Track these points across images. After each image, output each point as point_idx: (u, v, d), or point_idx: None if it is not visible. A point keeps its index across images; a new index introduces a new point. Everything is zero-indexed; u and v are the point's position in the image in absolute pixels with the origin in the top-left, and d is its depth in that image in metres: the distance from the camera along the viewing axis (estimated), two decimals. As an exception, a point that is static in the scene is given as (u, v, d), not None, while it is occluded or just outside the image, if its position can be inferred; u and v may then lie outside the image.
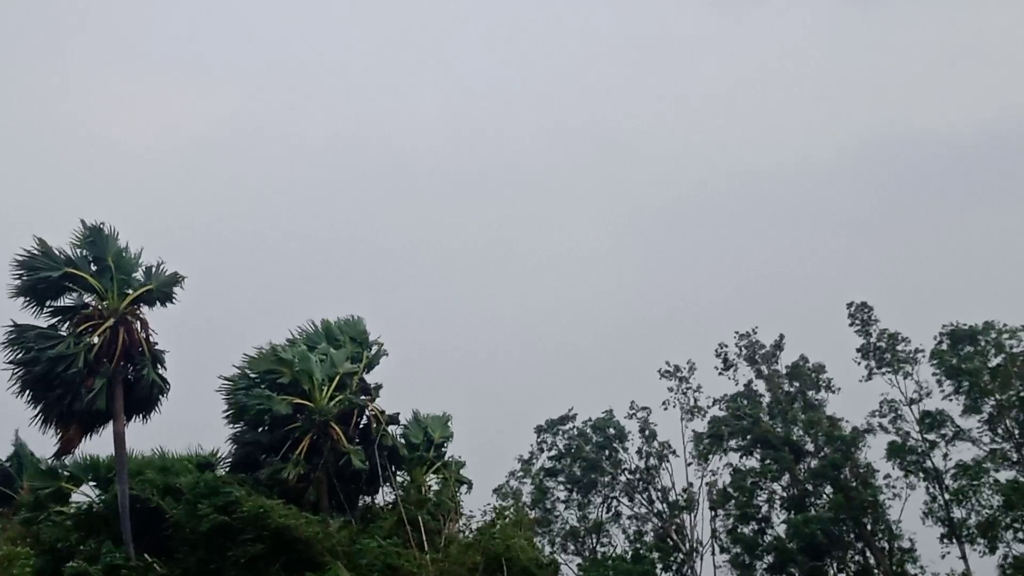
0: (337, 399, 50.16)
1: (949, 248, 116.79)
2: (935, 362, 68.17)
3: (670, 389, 75.80)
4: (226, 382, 51.39)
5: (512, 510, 50.07)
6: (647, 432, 75.85)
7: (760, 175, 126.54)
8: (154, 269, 49.64)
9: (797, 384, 72.86)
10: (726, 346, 75.54)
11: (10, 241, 48.71)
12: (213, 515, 42.07)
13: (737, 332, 75.83)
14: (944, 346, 68.10)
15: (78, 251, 48.80)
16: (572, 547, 74.77)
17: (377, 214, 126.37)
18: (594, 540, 74.76)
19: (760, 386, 74.54)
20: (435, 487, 51.24)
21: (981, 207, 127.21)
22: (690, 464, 74.46)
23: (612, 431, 76.18)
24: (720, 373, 75.51)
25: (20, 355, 47.36)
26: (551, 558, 43.42)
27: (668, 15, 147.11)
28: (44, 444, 50.93)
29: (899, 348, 69.97)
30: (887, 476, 68.87)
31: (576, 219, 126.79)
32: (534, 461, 77.55)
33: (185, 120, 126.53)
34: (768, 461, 70.20)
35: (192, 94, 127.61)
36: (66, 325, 48.49)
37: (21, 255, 47.95)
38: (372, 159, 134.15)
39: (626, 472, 75.27)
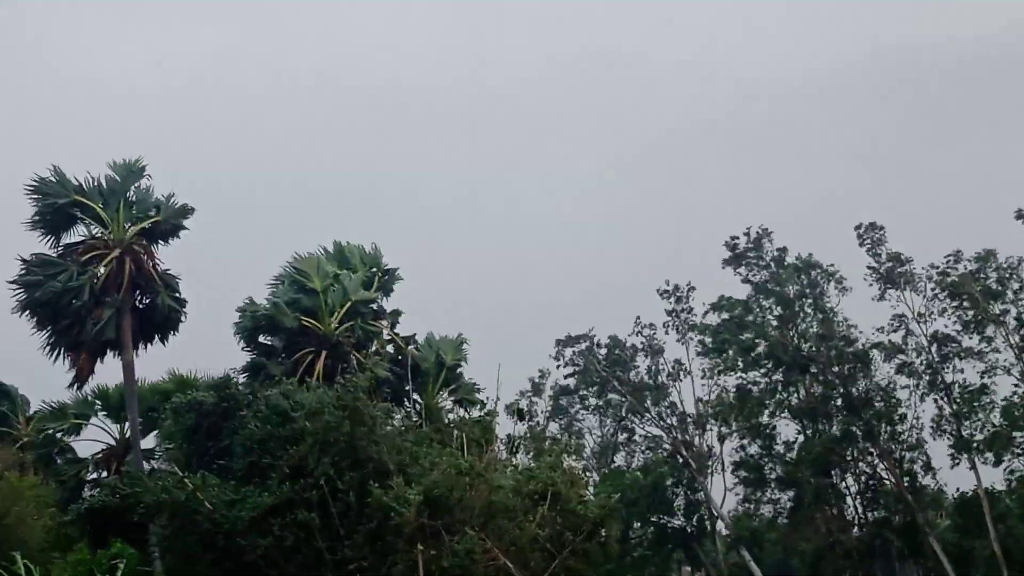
0: (348, 324, 49.57)
1: (953, 170, 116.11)
2: (933, 284, 68.06)
3: (668, 312, 75.24)
4: (240, 310, 50.75)
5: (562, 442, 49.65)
6: (654, 348, 75.49)
7: (760, 94, 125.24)
8: (164, 202, 49.44)
9: (806, 279, 71.11)
10: (736, 238, 73.14)
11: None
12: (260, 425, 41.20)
13: (747, 228, 73.38)
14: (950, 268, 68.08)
15: (92, 181, 48.49)
16: (594, 462, 74.94)
17: (374, 146, 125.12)
18: (610, 457, 74.97)
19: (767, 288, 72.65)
20: (454, 409, 50.81)
21: (984, 125, 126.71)
22: (700, 377, 73.90)
23: (620, 352, 75.85)
24: (727, 267, 72.97)
25: (25, 280, 47.07)
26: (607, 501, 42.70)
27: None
28: (55, 373, 50.48)
29: (906, 268, 69.39)
30: (898, 388, 68.60)
31: (578, 146, 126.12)
32: (546, 376, 77.45)
33: (173, 57, 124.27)
34: (775, 377, 69.77)
35: (177, 31, 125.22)
36: (71, 256, 48.01)
37: (34, 180, 47.62)
38: (363, 90, 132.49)
39: (635, 390, 74.99)
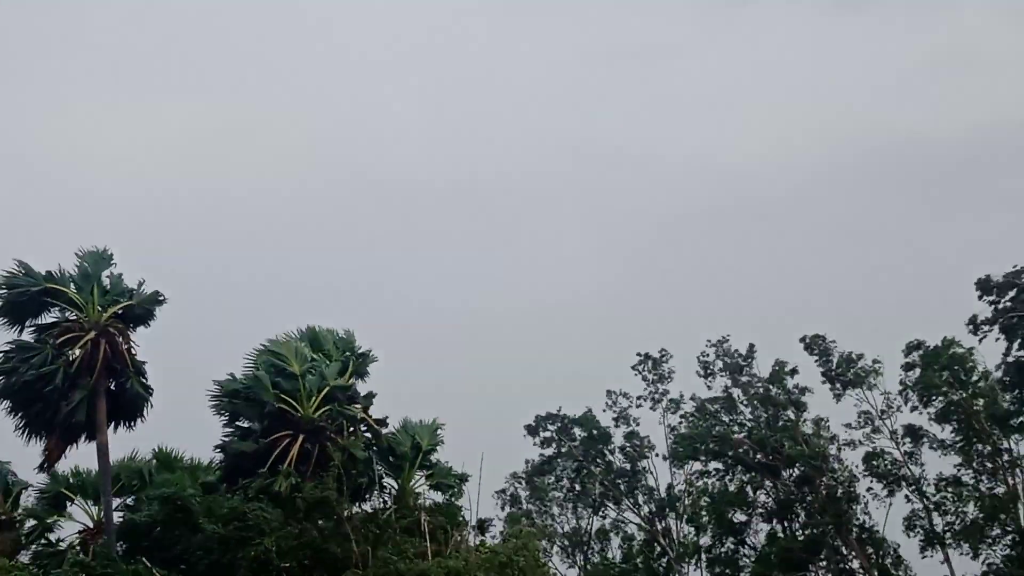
0: (325, 409, 49.58)
1: (922, 256, 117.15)
2: (900, 377, 69.02)
3: (645, 380, 75.59)
4: (217, 385, 50.87)
5: (526, 529, 49.40)
6: (628, 425, 75.55)
7: (743, 180, 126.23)
8: (136, 290, 49.93)
9: (775, 390, 72.60)
10: (707, 355, 74.95)
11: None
12: (220, 526, 41.44)
13: (709, 340, 75.44)
14: (911, 359, 69.05)
15: (61, 270, 49.02)
16: (572, 553, 74.53)
17: (362, 226, 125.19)
18: (588, 548, 74.62)
19: (737, 393, 74.23)
20: (426, 494, 50.59)
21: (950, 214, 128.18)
22: (668, 461, 74.23)
23: (595, 432, 75.78)
24: (703, 377, 74.91)
25: (4, 372, 47.48)
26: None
27: (650, 22, 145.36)
28: (28, 457, 50.81)
29: (861, 365, 70.50)
30: (869, 488, 69.38)
31: (563, 226, 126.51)
32: (530, 462, 77.23)
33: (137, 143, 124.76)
34: (744, 479, 70.66)
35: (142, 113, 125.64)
36: (46, 340, 48.10)
37: (2, 275, 48.11)
38: (354, 170, 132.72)
39: (611, 476, 74.85)
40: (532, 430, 76.92)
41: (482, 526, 47.92)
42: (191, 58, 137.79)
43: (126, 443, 50.78)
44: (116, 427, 49.42)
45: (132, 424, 49.71)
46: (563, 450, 75.88)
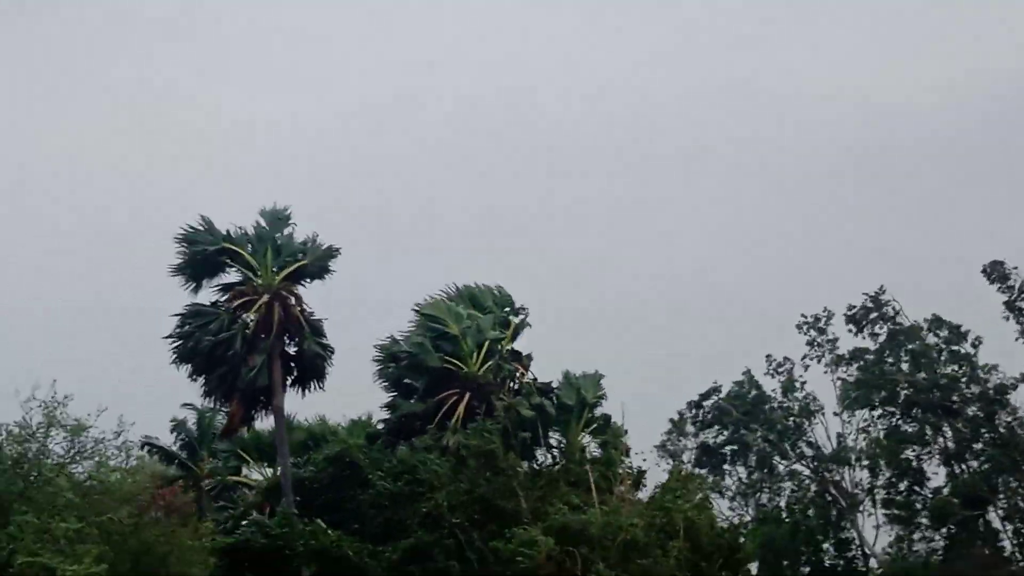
0: (488, 365, 50.36)
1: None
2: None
3: (808, 343, 74.29)
4: (384, 341, 52.06)
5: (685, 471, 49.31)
6: (793, 385, 74.50)
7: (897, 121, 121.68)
8: (309, 244, 50.78)
9: (941, 335, 70.72)
10: (854, 307, 73.06)
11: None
12: (390, 482, 42.50)
13: (865, 293, 73.32)
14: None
15: (239, 229, 50.22)
16: (742, 502, 74.05)
17: (514, 179, 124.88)
18: (757, 497, 73.97)
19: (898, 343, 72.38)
20: (593, 447, 50.88)
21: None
22: (838, 415, 72.95)
23: (754, 392, 74.90)
24: (856, 334, 73.29)
25: (180, 332, 49.00)
26: (730, 522, 43.20)
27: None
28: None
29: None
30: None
31: (705, 176, 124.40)
32: (685, 424, 76.68)
33: (309, 110, 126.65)
34: (918, 425, 69.17)
35: (312, 85, 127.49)
36: (223, 303, 49.85)
37: (184, 230, 49.50)
38: (503, 123, 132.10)
39: (775, 431, 74.04)
40: (694, 404, 76.36)
41: (640, 478, 47.90)
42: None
43: (307, 403, 51.69)
44: (300, 388, 50.84)
45: (310, 386, 50.86)
46: (723, 412, 75.12)
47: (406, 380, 51.71)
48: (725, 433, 74.23)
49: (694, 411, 75.65)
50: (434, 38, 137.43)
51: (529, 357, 53.03)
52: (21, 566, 37.45)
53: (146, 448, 56.50)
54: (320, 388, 50.96)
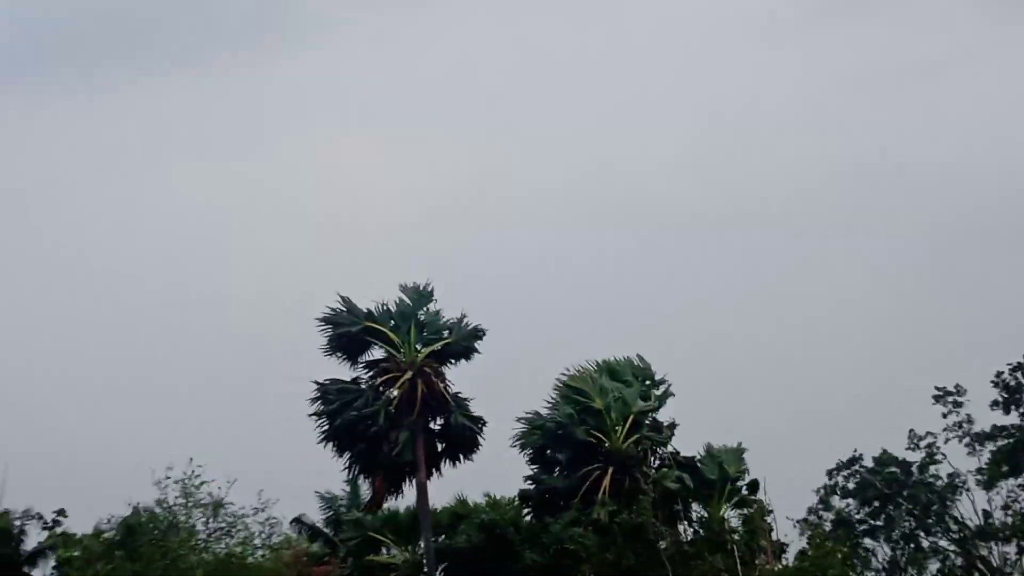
0: (634, 438, 50.27)
1: None
2: None
3: (944, 415, 72.90)
4: (528, 414, 52.37)
5: (827, 541, 48.47)
6: (933, 460, 73.09)
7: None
8: (455, 323, 51.39)
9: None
10: (1002, 374, 71.72)
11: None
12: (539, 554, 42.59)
13: (1009, 364, 71.89)
14: None
15: (382, 307, 50.96)
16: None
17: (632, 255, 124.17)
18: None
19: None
20: (735, 520, 50.37)
21: None
22: (979, 488, 71.32)
23: (896, 470, 73.65)
24: (999, 405, 71.75)
25: (324, 410, 49.79)
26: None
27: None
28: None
29: None
30: None
31: (834, 254, 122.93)
32: (831, 498, 75.50)
33: (423, 186, 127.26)
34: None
35: (420, 159, 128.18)
36: (367, 380, 50.68)
37: (326, 312, 50.42)
38: (611, 200, 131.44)
39: (918, 507, 72.63)
40: (835, 471, 75.20)
41: (782, 550, 47.32)
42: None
43: (445, 483, 51.85)
44: (441, 465, 51.16)
45: (458, 460, 51.19)
46: (865, 486, 73.93)
47: (549, 452, 51.96)
48: (864, 508, 73.07)
49: (832, 480, 74.63)
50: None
51: (672, 428, 52.84)
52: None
53: (295, 524, 57.22)
54: (470, 460, 51.25)
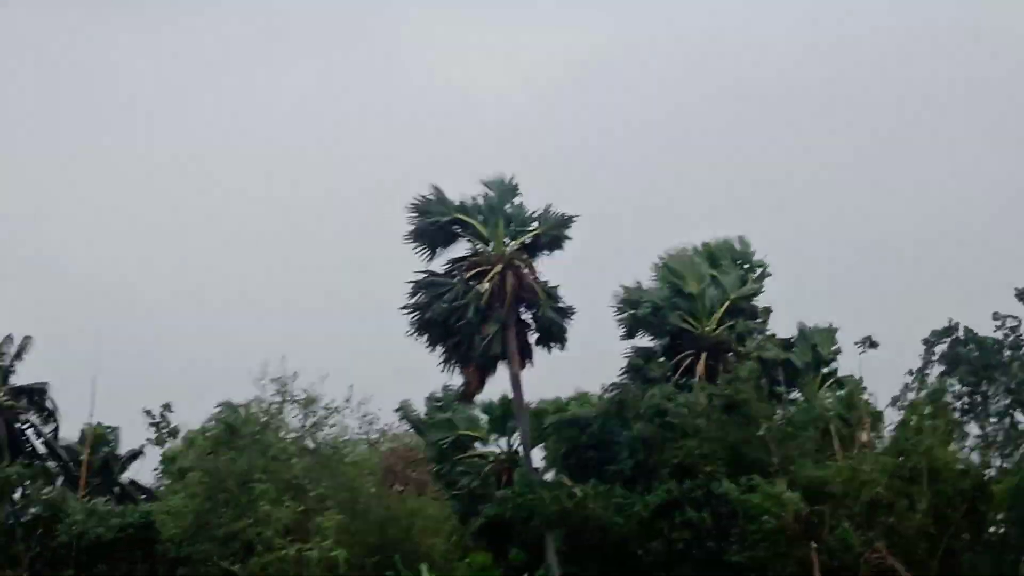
0: (728, 324, 49.58)
1: None
2: None
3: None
4: (622, 290, 52.19)
5: (928, 407, 47.24)
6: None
7: None
8: (543, 213, 50.58)
9: None
10: None
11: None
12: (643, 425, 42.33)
13: None
14: None
15: (472, 199, 50.45)
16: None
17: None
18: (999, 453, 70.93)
19: None
20: (830, 400, 49.39)
21: None
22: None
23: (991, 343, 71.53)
24: None
25: (416, 303, 49.67)
26: (972, 462, 41.65)
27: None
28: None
29: None
30: None
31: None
32: (928, 372, 73.92)
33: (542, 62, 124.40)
34: None
35: (543, 36, 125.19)
36: (456, 273, 50.22)
37: (417, 200, 50.00)
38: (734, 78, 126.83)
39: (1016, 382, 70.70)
40: (928, 343, 73.42)
41: (878, 424, 46.39)
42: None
43: (539, 371, 51.58)
44: (531, 356, 50.46)
45: (550, 349, 50.45)
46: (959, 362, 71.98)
47: (643, 340, 51.86)
48: (959, 385, 71.43)
49: (929, 353, 73.00)
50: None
51: (767, 311, 52.03)
52: (263, 554, 38.67)
53: (399, 412, 57.93)
54: (561, 349, 50.51)
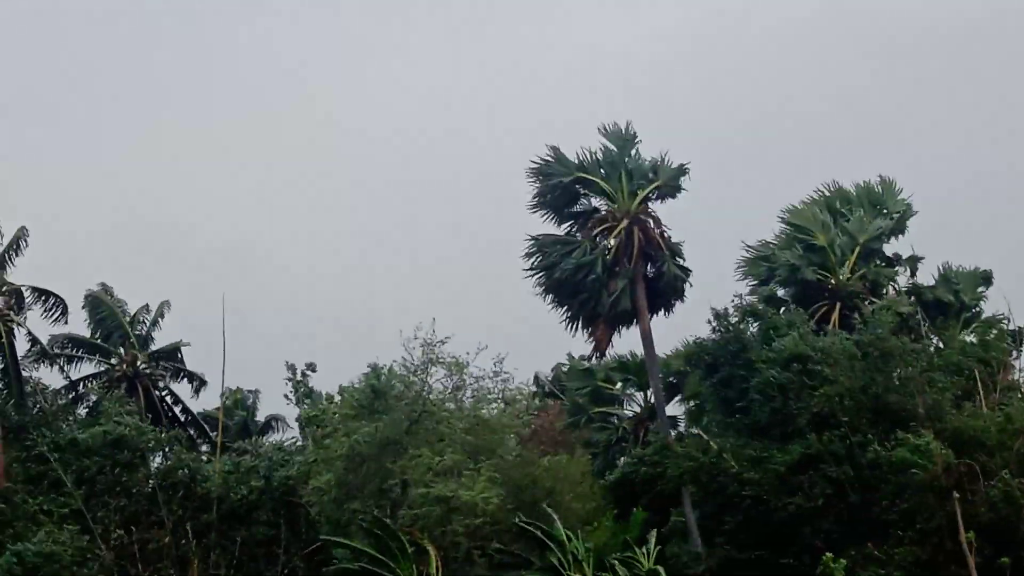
0: (861, 271, 48.52)
1: None
2: None
3: None
4: (749, 249, 51.31)
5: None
6: None
7: None
8: (660, 163, 49.71)
9: None
10: None
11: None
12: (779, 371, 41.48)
13: None
14: None
15: (590, 155, 49.74)
16: None
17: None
18: None
19: None
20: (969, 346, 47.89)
21: None
22: None
23: None
24: None
25: (541, 263, 49.22)
26: None
27: None
28: (578, 346, 53.96)
29: None
30: None
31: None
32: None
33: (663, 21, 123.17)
34: None
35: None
36: (581, 230, 49.84)
37: (535, 163, 49.56)
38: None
39: None
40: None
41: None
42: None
43: (670, 327, 51.19)
44: (659, 312, 50.10)
45: (671, 309, 50.18)
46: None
47: (771, 288, 50.56)
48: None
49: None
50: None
51: (914, 260, 50.65)
52: (416, 498, 39.26)
53: (530, 382, 58.25)
54: (670, 310, 50.22)
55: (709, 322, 45.68)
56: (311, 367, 52.79)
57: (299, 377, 52.42)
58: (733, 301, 46.85)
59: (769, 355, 42.31)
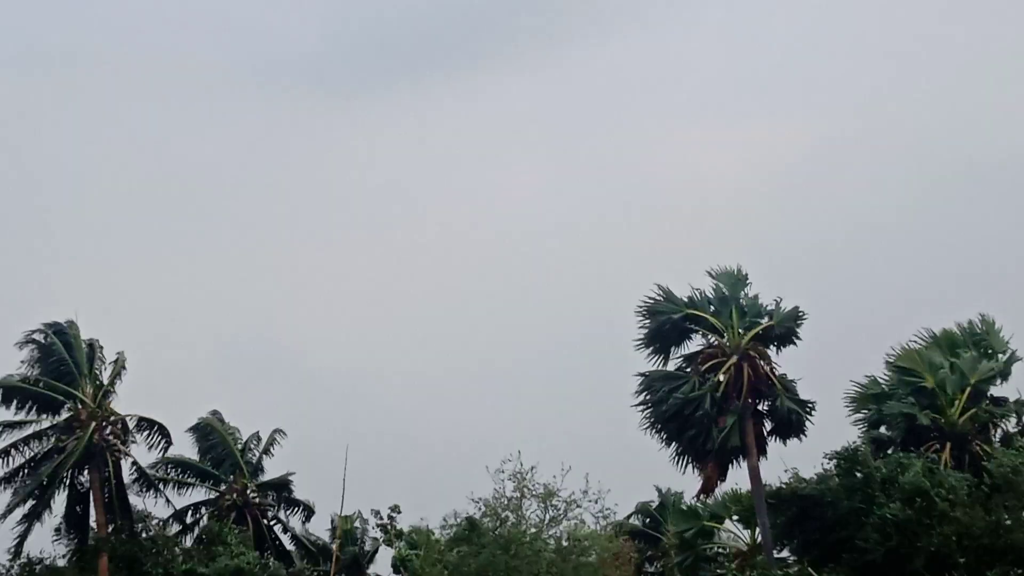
0: (971, 412, 48.40)
1: None
2: None
3: None
4: (858, 388, 50.84)
5: None
6: None
7: None
8: (775, 308, 50.66)
9: None
10: None
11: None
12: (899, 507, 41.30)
13: None
14: None
15: (700, 294, 50.95)
16: None
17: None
18: None
19: None
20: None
21: None
22: None
23: None
24: None
25: (650, 399, 49.97)
26: None
27: None
28: (682, 483, 54.03)
29: None
30: None
31: None
32: None
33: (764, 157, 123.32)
34: None
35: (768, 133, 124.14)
36: (690, 367, 50.63)
37: (644, 302, 50.72)
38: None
39: None
40: None
41: None
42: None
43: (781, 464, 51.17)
44: (781, 441, 50.50)
45: (787, 441, 50.34)
46: None
47: (881, 429, 50.46)
48: None
49: None
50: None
51: (1021, 404, 50.16)
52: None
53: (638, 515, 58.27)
54: (786, 443, 50.38)
55: (825, 455, 45.84)
56: (396, 509, 53.03)
57: (384, 520, 52.93)
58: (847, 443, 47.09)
59: (888, 493, 42.32)
